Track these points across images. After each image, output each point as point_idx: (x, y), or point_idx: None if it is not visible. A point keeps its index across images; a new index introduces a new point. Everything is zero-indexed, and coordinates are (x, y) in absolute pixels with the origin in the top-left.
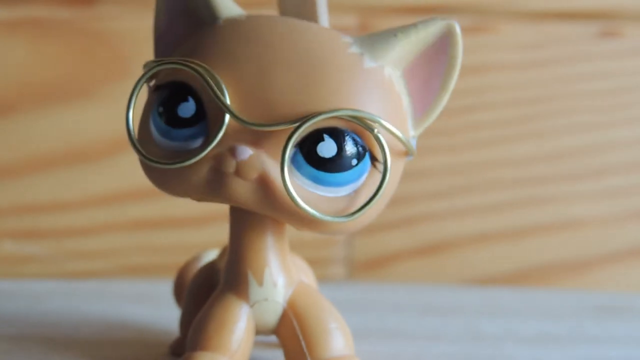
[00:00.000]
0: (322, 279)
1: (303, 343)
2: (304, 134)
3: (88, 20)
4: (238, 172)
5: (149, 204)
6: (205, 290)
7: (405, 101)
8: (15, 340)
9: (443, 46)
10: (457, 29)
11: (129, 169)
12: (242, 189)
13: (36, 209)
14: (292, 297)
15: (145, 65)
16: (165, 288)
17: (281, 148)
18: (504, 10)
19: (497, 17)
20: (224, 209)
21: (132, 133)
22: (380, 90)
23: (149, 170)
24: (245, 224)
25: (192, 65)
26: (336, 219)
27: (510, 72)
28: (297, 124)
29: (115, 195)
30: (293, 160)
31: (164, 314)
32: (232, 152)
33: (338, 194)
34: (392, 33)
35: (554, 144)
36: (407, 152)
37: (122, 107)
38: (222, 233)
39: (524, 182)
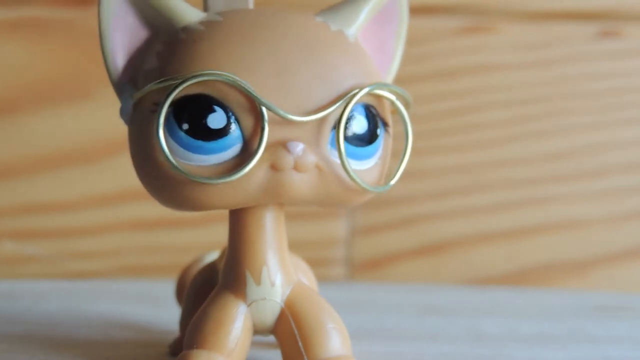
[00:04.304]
0: (322, 279)
1: (300, 343)
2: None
3: (88, 20)
4: (297, 167)
5: (149, 204)
6: (205, 291)
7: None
8: (15, 340)
9: (390, 8)
10: None
11: (129, 169)
12: (302, 183)
13: (36, 209)
14: (290, 296)
15: (140, 91)
16: (165, 288)
17: (322, 134)
18: (504, 10)
19: (497, 17)
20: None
21: (171, 159)
22: (366, 59)
23: (189, 191)
24: (244, 222)
25: (220, 74)
26: (386, 188)
27: (510, 72)
28: (343, 106)
29: (115, 195)
30: (333, 143)
31: (164, 314)
32: (286, 148)
33: (370, 164)
34: (355, 3)
35: (553, 143)
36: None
37: None
38: (222, 233)
39: (524, 182)
